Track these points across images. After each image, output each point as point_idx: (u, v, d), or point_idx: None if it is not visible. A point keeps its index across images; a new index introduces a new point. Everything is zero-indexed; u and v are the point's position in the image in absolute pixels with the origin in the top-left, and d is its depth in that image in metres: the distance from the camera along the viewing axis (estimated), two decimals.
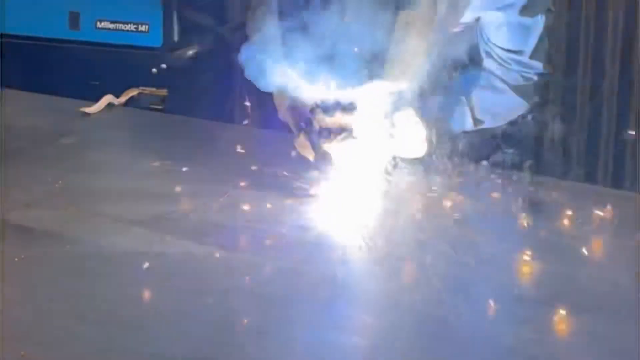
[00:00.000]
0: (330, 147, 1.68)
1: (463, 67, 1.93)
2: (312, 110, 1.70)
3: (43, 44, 3.03)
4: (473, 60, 1.94)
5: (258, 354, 1.26)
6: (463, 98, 1.93)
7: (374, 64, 1.61)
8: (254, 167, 1.81)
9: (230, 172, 1.82)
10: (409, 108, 1.75)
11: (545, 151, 2.18)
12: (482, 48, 1.93)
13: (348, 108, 1.67)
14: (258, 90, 1.73)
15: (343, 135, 1.68)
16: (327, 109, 1.67)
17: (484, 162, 1.78)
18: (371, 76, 1.62)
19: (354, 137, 1.68)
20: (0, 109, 2.18)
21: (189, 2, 2.96)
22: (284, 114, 1.81)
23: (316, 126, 1.70)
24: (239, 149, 1.86)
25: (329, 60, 1.60)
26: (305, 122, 1.73)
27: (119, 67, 2.87)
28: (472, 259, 1.48)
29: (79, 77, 2.83)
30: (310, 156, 1.73)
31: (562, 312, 1.32)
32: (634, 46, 2.90)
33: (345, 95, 1.66)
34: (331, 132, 1.68)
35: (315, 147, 1.71)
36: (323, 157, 1.70)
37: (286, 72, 1.65)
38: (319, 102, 1.68)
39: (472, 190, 1.72)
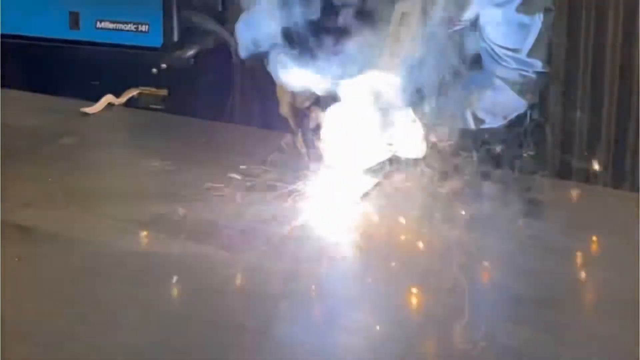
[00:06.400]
0: (326, 144, 1.69)
1: (465, 66, 1.93)
2: (309, 107, 1.70)
3: (43, 44, 3.03)
4: (473, 58, 1.95)
5: (258, 354, 1.26)
6: (464, 97, 1.93)
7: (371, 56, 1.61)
8: (255, 167, 1.81)
9: (230, 172, 1.82)
10: (408, 107, 1.75)
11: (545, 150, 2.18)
12: (481, 46, 1.93)
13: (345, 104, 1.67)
14: (258, 89, 1.73)
15: (339, 132, 1.68)
16: (324, 105, 1.68)
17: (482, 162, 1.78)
18: (368, 68, 1.62)
19: (350, 135, 1.68)
20: (0, 109, 2.18)
21: (189, 2, 2.97)
22: (284, 110, 1.81)
23: (313, 123, 1.70)
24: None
25: (328, 52, 1.60)
26: (303, 117, 1.73)
27: (119, 67, 2.87)
28: (471, 259, 1.48)
29: (79, 77, 2.83)
30: (306, 154, 1.73)
31: None
32: (633, 46, 2.91)
33: (343, 89, 1.66)
34: (327, 130, 1.68)
35: (309, 144, 1.71)
36: (317, 155, 1.70)
37: (288, 65, 1.65)
38: (316, 98, 1.68)
39: (470, 191, 1.72)
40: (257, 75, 1.76)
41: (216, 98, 3.02)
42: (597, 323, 1.34)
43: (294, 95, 1.79)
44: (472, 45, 1.92)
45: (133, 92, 2.49)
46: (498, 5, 1.86)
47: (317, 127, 1.71)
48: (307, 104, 1.73)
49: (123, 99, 2.41)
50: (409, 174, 1.76)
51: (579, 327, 1.34)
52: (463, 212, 1.62)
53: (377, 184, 1.74)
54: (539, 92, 2.00)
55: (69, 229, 1.64)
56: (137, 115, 2.37)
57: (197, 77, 2.96)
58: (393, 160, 1.76)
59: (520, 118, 1.98)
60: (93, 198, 1.78)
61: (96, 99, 2.31)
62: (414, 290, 1.38)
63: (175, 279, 1.44)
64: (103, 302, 1.39)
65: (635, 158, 2.91)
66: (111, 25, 2.96)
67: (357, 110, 1.69)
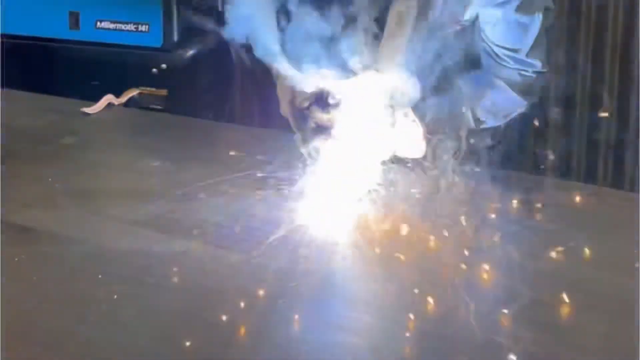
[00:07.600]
0: (324, 143, 1.69)
1: (465, 67, 1.93)
2: (308, 107, 1.70)
3: (43, 44, 3.03)
4: (472, 59, 1.95)
5: (257, 354, 1.26)
6: (465, 97, 1.93)
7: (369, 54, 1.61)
8: (255, 167, 1.82)
9: (230, 172, 1.82)
10: (408, 106, 1.75)
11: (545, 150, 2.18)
12: (481, 46, 1.93)
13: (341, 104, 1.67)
14: (258, 89, 1.73)
15: (336, 132, 1.68)
16: (322, 105, 1.68)
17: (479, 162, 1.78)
18: (366, 67, 1.62)
19: (349, 135, 1.68)
20: (0, 109, 2.18)
21: (189, 2, 2.97)
22: (284, 109, 1.81)
23: (312, 123, 1.70)
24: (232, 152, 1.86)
25: (326, 50, 1.60)
26: (303, 117, 1.73)
27: (119, 67, 2.87)
28: (469, 258, 1.48)
29: (79, 77, 2.83)
30: (305, 153, 1.74)
31: None
32: (634, 46, 2.91)
33: (341, 88, 1.66)
34: (326, 129, 1.69)
35: (307, 143, 1.72)
36: (314, 154, 1.71)
37: (287, 64, 1.66)
38: (314, 97, 1.68)
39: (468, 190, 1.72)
40: (258, 75, 1.76)
41: (216, 98, 3.02)
42: None
43: (294, 94, 1.79)
44: (471, 45, 1.93)
45: (133, 92, 2.49)
46: (498, 5, 1.87)
47: (317, 127, 1.71)
48: (307, 103, 1.73)
49: (123, 99, 2.41)
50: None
51: None
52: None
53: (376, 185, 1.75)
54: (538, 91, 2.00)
55: (69, 229, 1.64)
56: (137, 115, 2.37)
57: (197, 77, 2.97)
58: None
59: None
60: (93, 198, 1.78)
61: (96, 99, 2.31)
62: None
63: (175, 278, 1.44)
64: (103, 302, 1.39)
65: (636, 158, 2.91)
66: (111, 25, 2.96)
67: (357, 111, 1.69)
